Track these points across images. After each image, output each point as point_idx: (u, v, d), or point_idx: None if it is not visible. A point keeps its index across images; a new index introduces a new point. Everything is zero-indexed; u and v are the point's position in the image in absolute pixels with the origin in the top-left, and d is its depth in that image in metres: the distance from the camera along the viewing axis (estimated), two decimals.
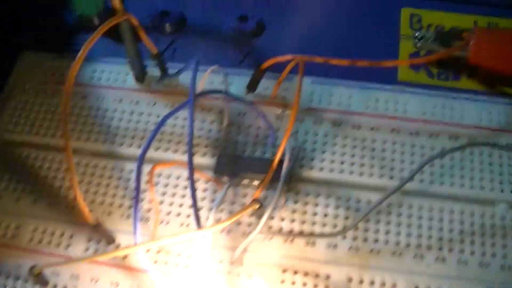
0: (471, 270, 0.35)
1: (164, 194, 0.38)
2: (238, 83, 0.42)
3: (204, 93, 0.38)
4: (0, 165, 0.41)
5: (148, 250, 0.36)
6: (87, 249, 0.37)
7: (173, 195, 0.39)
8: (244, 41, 0.45)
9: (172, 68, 0.43)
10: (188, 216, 0.38)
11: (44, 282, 0.36)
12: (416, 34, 0.44)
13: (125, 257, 0.37)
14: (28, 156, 0.41)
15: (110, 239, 0.37)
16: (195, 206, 0.30)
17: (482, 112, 0.41)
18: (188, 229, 0.37)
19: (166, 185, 0.39)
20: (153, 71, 0.43)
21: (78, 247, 0.37)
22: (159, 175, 0.39)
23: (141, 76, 0.43)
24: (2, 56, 0.45)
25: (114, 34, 0.38)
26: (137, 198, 0.33)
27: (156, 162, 0.35)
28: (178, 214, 0.38)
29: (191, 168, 0.30)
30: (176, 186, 0.39)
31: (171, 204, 0.38)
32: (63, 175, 0.40)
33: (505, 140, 0.39)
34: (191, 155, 0.31)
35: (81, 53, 0.33)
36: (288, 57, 0.39)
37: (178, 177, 0.39)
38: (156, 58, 0.41)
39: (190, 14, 0.47)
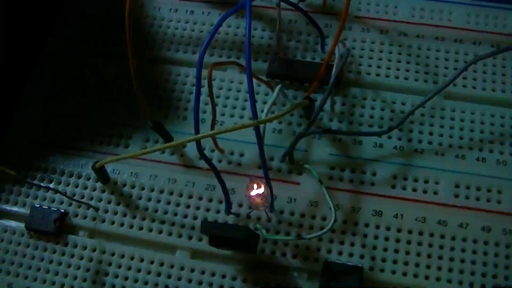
0: (509, 170, 0.37)
1: (218, 96, 0.40)
2: None
3: None
4: (60, 71, 0.43)
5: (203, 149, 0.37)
6: (145, 149, 0.39)
7: (227, 98, 0.40)
8: None
9: None
10: (241, 117, 0.40)
11: (106, 178, 0.38)
12: None
13: (182, 155, 0.39)
14: (87, 62, 0.43)
15: (168, 138, 0.39)
16: (252, 97, 0.31)
17: None
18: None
19: (220, 89, 0.41)
20: None
21: (137, 147, 0.40)
22: (214, 79, 0.40)
23: None
24: None
25: None
26: (197, 89, 0.34)
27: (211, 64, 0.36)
28: (232, 115, 0.40)
29: (249, 56, 0.31)
30: (229, 89, 0.41)
31: (224, 106, 0.40)
32: (121, 81, 0.42)
33: None
34: (249, 44, 0.31)
35: None
36: None
37: (231, 81, 0.41)
38: None
39: None
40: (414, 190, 0.37)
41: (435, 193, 0.37)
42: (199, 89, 0.33)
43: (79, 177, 0.39)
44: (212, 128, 0.37)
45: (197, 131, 0.33)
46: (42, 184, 0.39)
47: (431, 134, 0.38)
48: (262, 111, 0.36)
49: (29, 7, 0.44)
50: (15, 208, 0.39)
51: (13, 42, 0.43)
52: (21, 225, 0.38)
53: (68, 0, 0.46)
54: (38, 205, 0.39)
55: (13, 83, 0.43)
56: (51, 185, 0.39)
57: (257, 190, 0.33)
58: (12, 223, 0.39)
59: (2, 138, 0.41)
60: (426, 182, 0.37)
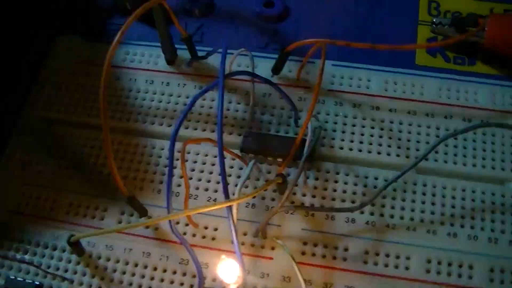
0: (480, 245, 0.37)
1: (192, 170, 0.41)
2: (263, 66, 0.44)
3: (232, 74, 0.40)
4: (38, 141, 0.44)
5: (177, 223, 0.38)
6: (120, 222, 0.40)
7: (201, 171, 0.41)
8: (269, 25, 0.47)
9: (200, 51, 0.45)
10: (215, 191, 0.40)
11: (81, 251, 0.39)
12: (434, 20, 0.45)
13: (156, 228, 0.39)
14: (64, 133, 0.44)
15: (143, 211, 0.39)
16: (224, 178, 0.33)
17: (495, 95, 0.42)
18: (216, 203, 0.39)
19: (194, 162, 0.41)
20: (183, 54, 0.45)
21: (112, 219, 0.40)
22: (188, 152, 0.41)
23: (172, 58, 0.45)
24: (39, 40, 0.48)
25: (146, 18, 0.40)
26: (170, 170, 0.35)
27: (186, 139, 0.37)
28: (206, 189, 0.40)
29: (221, 138, 0.33)
30: (204, 163, 0.41)
31: (199, 179, 0.41)
32: (97, 151, 0.43)
33: None
34: (221, 128, 0.33)
35: (118, 36, 0.35)
36: (311, 40, 0.40)
37: (206, 155, 0.41)
38: (187, 41, 0.43)
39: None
40: (386, 265, 0.37)
41: (407, 268, 0.37)
42: (171, 170, 0.35)
43: (54, 249, 0.39)
44: (186, 204, 0.37)
45: (169, 210, 0.35)
46: (17, 256, 0.39)
47: (403, 209, 0.39)
48: (236, 185, 0.37)
49: (11, 78, 0.45)
50: None
51: None
52: None
53: (45, 71, 0.47)
54: (13, 277, 0.39)
55: None
56: (26, 257, 0.39)
57: (229, 271, 0.34)
58: None
59: None
60: (397, 257, 0.37)
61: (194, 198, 0.40)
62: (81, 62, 0.47)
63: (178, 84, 0.45)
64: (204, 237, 0.39)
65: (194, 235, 0.39)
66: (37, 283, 0.38)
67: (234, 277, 0.34)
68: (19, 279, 0.39)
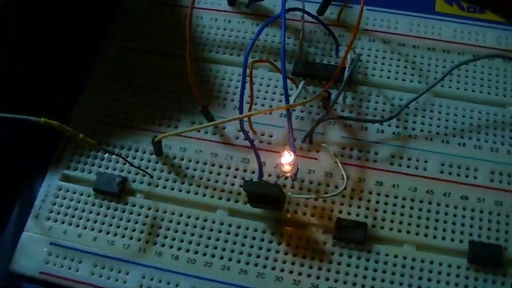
0: (484, 153, 0.45)
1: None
2: (311, 8, 0.51)
3: (290, 10, 0.47)
4: (119, 66, 0.51)
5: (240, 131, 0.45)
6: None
7: (259, 91, 0.48)
8: None
9: None
10: (270, 106, 0.47)
11: (160, 151, 0.46)
12: None
13: (222, 134, 0.47)
14: (142, 60, 0.51)
15: (212, 120, 0.46)
16: (286, 88, 0.40)
17: (501, 37, 0.50)
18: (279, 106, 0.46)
19: (254, 83, 0.47)
20: None
21: (184, 128, 0.46)
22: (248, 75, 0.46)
23: (233, 0, 0.52)
24: None
25: None
26: (244, 78, 0.42)
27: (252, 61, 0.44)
28: (263, 105, 0.48)
29: (284, 60, 0.39)
30: (261, 84, 0.49)
31: (257, 97, 0.48)
32: (170, 75, 0.50)
33: None
34: (284, 52, 0.39)
35: None
36: None
37: (262, 77, 0.49)
38: None
39: None
40: (408, 166, 0.45)
41: (425, 169, 0.44)
42: (244, 79, 0.41)
43: (137, 150, 0.46)
44: (250, 110, 0.45)
45: (241, 111, 0.42)
46: (112, 150, 0.46)
47: (422, 123, 0.46)
48: (288, 102, 0.43)
49: (91, 10, 0.52)
50: (84, 174, 0.46)
51: (77, 42, 0.51)
52: (89, 188, 0.45)
53: (123, 9, 0.53)
54: (103, 171, 0.46)
55: (76, 76, 0.50)
56: (116, 152, 0.46)
57: (288, 158, 0.41)
58: (82, 187, 0.46)
59: (69, 118, 0.48)
60: (417, 160, 0.45)
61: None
62: (155, 2, 0.54)
63: (238, 21, 0.52)
64: (261, 142, 0.46)
65: (253, 141, 0.45)
66: (124, 176, 0.46)
67: (290, 168, 0.42)
68: (108, 173, 0.46)
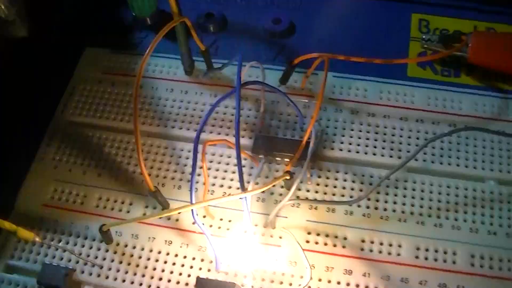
0: (463, 235, 0.42)
1: (209, 169, 0.45)
2: (272, 76, 0.48)
3: (247, 83, 0.43)
4: (69, 143, 0.48)
5: (196, 214, 0.41)
6: (144, 214, 0.44)
7: (217, 170, 0.45)
8: (277, 40, 0.52)
9: (215, 63, 0.49)
10: (229, 187, 0.44)
11: (110, 239, 0.43)
12: (423, 37, 0.50)
13: (177, 220, 0.43)
14: (92, 135, 0.48)
15: (165, 204, 0.43)
16: (240, 171, 0.36)
17: (477, 103, 0.47)
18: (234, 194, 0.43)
19: (210, 161, 0.45)
20: (199, 65, 0.50)
21: (137, 212, 0.44)
22: (205, 153, 0.44)
23: (190, 69, 0.49)
24: (69, 51, 0.52)
25: (166, 33, 0.43)
26: (194, 165, 0.39)
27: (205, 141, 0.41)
28: (221, 185, 0.45)
29: (238, 139, 0.36)
30: (219, 162, 0.46)
31: (215, 177, 0.45)
32: (122, 152, 0.47)
33: (496, 127, 0.45)
34: (238, 130, 0.37)
35: (149, 50, 0.39)
36: (315, 54, 0.45)
37: (220, 155, 0.46)
38: (204, 54, 0.48)
39: (231, 16, 0.54)
40: (380, 252, 0.41)
41: (398, 254, 0.41)
42: (195, 164, 0.38)
43: (85, 237, 0.43)
44: (205, 197, 0.42)
45: (192, 200, 0.38)
46: (55, 243, 0.43)
47: (395, 203, 0.43)
48: (248, 182, 0.41)
49: (41, 84, 0.50)
50: (28, 264, 0.43)
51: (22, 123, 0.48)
52: (33, 280, 0.42)
53: (74, 80, 0.51)
54: (49, 262, 0.42)
55: (22, 155, 0.47)
56: (60, 244, 0.43)
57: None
58: (26, 278, 0.42)
59: (14, 202, 0.45)
60: (390, 245, 0.42)
61: (211, 193, 0.44)
62: (106, 72, 0.51)
63: (196, 92, 0.49)
64: (219, 227, 0.43)
65: (210, 226, 0.43)
66: (71, 267, 0.42)
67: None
68: (54, 264, 0.42)
